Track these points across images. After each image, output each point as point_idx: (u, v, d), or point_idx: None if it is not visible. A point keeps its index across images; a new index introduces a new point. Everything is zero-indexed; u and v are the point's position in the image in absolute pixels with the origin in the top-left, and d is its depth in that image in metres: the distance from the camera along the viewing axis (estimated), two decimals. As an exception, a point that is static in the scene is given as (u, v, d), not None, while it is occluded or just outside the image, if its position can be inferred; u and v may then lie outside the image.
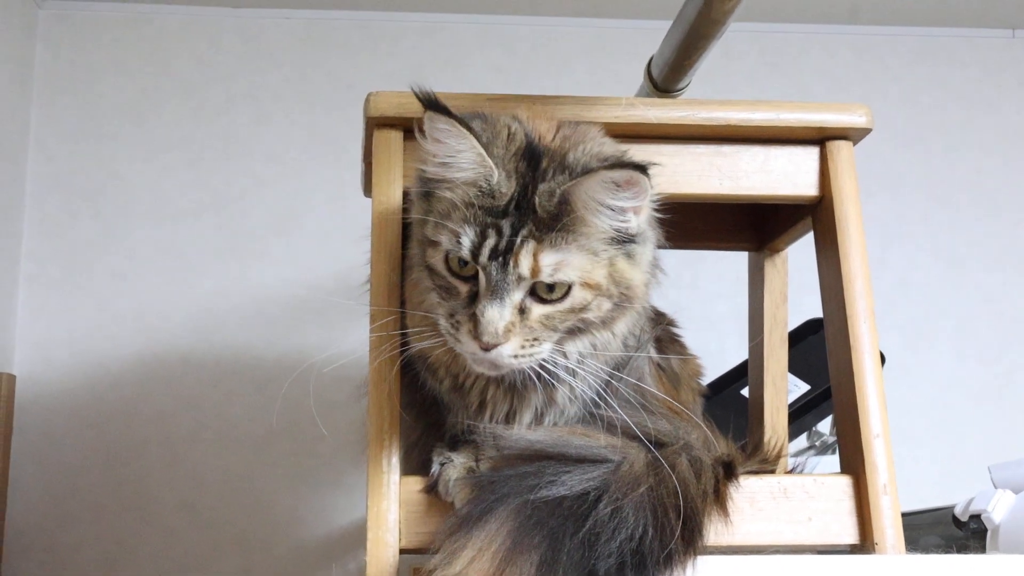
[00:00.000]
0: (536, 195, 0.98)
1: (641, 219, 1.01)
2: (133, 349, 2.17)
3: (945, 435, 2.25)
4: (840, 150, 1.23)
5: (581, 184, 0.96)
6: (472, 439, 1.09)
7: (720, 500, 1.06)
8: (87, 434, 2.12)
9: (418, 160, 1.05)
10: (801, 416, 1.77)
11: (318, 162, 2.27)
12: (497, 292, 0.96)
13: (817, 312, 1.29)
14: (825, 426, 1.86)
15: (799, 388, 1.75)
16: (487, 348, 0.96)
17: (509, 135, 1.02)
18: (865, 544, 1.11)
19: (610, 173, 0.96)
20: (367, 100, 1.18)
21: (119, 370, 2.16)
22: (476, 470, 1.05)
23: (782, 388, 1.48)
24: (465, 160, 0.99)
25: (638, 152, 1.10)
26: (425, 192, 1.04)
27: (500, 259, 0.96)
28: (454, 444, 1.11)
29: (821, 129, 1.23)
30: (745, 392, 1.63)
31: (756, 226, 1.51)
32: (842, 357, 1.19)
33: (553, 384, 1.05)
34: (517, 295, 0.97)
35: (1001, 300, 2.33)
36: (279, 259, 2.23)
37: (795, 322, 1.66)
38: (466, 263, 0.98)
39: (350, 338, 1.22)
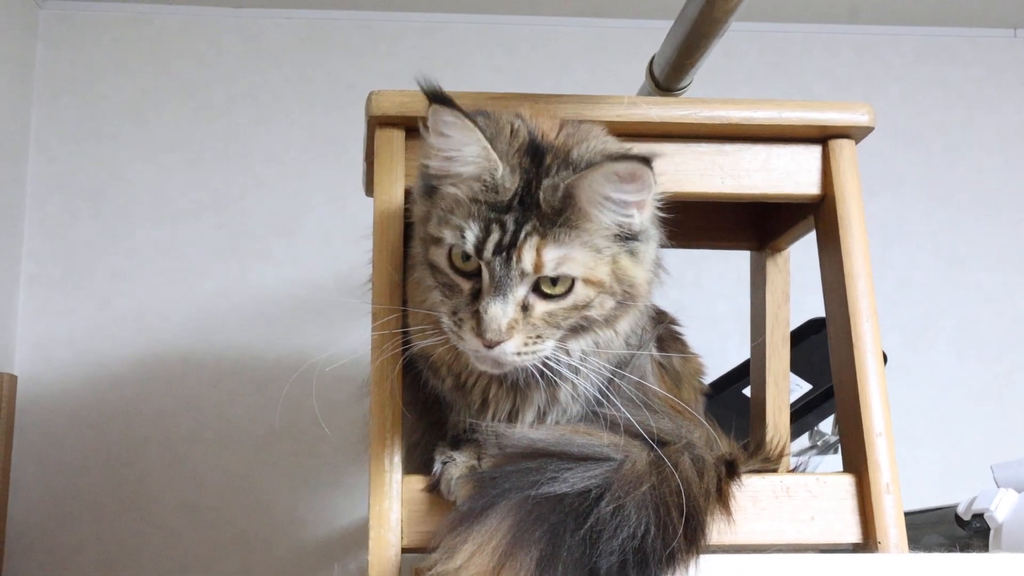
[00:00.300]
0: (540, 190, 0.98)
1: (644, 216, 1.01)
2: (134, 349, 2.16)
3: (945, 435, 2.25)
4: (842, 149, 1.23)
5: (585, 177, 0.96)
6: (474, 438, 1.09)
7: (723, 499, 1.06)
8: (88, 434, 2.12)
9: (422, 155, 1.05)
10: (803, 415, 1.77)
11: (318, 162, 2.27)
12: (500, 288, 0.96)
13: (819, 311, 1.28)
14: (827, 425, 1.86)
15: (801, 387, 1.75)
16: (490, 345, 0.96)
17: (512, 131, 1.02)
18: (868, 543, 1.11)
19: (614, 166, 0.96)
20: (369, 99, 1.18)
21: (120, 370, 2.15)
22: (478, 469, 1.05)
23: (784, 387, 1.48)
24: (470, 154, 0.99)
25: (640, 150, 1.09)
26: (428, 188, 1.04)
27: (503, 254, 0.96)
28: (456, 443, 1.11)
29: (823, 128, 1.23)
30: (747, 391, 1.63)
31: (758, 225, 1.51)
32: (844, 356, 1.19)
33: (556, 382, 1.05)
34: (520, 291, 0.97)
35: (1002, 300, 2.33)
36: (279, 259, 2.23)
37: (797, 321, 1.66)
38: (469, 258, 0.98)
39: (351, 338, 1.23)
